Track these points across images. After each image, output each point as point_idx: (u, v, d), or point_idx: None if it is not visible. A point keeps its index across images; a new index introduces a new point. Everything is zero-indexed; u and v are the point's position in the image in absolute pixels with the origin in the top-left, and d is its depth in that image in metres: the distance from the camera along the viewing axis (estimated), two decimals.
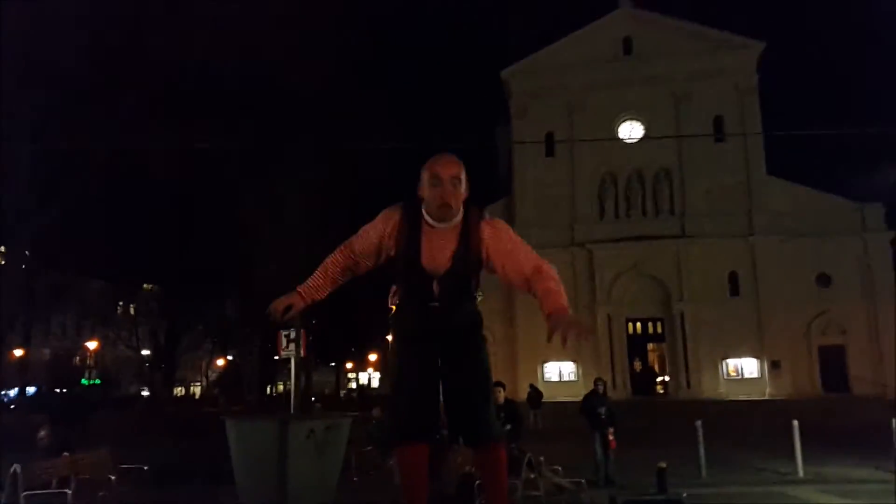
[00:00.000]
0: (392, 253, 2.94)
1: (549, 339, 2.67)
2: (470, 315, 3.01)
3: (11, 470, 8.10)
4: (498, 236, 2.91)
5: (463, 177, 2.86)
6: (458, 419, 3.01)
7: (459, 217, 2.89)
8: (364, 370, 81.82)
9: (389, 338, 3.18)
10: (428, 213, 2.88)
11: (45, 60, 23.20)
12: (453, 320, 2.94)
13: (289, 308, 2.92)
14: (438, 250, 2.85)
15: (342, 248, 3.06)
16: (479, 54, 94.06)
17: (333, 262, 3.04)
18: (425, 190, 2.88)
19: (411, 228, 2.89)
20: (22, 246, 27.10)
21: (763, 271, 37.96)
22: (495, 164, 47.56)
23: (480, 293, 3.01)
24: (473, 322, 3.02)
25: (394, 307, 3.07)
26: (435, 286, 2.86)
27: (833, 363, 37.18)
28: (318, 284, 3.00)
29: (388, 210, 2.99)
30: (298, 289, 2.97)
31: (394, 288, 3.07)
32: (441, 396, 2.97)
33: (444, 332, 2.94)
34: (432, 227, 2.87)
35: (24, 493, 8.02)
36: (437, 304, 2.88)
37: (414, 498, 2.97)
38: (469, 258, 2.87)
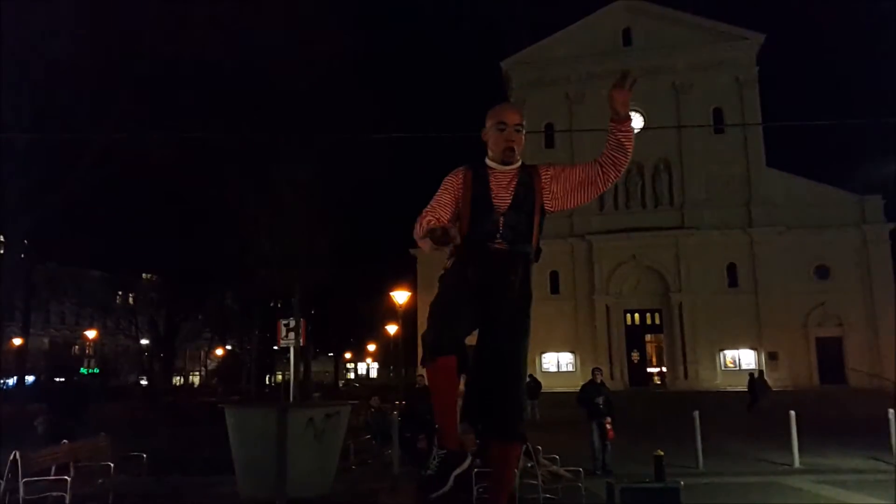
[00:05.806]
0: (461, 200, 3.11)
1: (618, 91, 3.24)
2: (524, 287, 3.04)
3: (11, 457, 8.13)
4: (552, 165, 3.23)
5: (524, 125, 3.21)
6: (486, 407, 2.90)
7: (519, 163, 3.18)
8: (363, 360, 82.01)
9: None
10: (492, 158, 3.18)
11: (44, 48, 23.11)
12: (509, 278, 2.98)
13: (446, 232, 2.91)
14: (503, 187, 3.11)
15: (419, 224, 3.07)
16: (479, 45, 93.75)
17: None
18: (490, 136, 3.18)
19: (479, 173, 3.15)
20: (21, 235, 27.05)
21: (761, 263, 38.00)
22: None
23: (540, 246, 3.11)
24: (525, 300, 3.05)
25: (444, 269, 3.09)
26: (501, 221, 3.02)
27: (830, 355, 37.25)
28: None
29: (453, 172, 3.21)
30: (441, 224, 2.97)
31: (451, 248, 3.06)
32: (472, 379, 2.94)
33: (497, 295, 2.94)
34: (494, 170, 3.15)
35: (24, 479, 8.06)
36: (500, 239, 3.00)
37: (446, 403, 2.96)
38: (530, 187, 3.11)
